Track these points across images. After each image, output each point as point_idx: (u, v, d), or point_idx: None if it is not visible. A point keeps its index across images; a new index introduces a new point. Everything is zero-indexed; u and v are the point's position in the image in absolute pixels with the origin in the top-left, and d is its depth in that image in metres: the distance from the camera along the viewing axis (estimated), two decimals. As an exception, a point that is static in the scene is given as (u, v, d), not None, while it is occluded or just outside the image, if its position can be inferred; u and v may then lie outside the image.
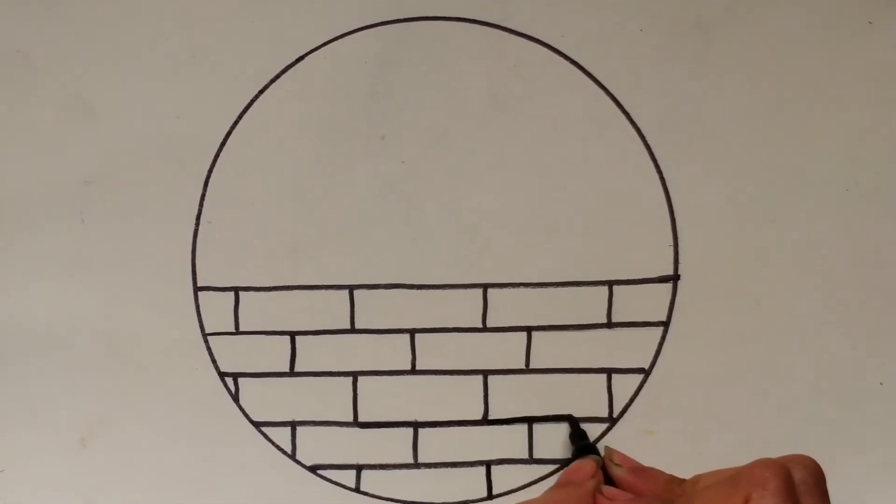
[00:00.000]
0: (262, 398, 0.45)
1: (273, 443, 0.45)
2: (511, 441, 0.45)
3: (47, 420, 0.45)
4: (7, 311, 0.45)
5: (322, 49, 0.46)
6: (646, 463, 0.43)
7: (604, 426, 0.45)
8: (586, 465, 0.43)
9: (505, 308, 0.46)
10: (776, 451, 0.38)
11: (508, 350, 0.46)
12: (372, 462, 0.45)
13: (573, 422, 0.45)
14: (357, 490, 0.45)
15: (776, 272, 0.46)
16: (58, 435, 0.45)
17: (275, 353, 0.45)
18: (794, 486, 0.37)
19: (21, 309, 0.45)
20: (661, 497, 0.41)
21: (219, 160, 0.46)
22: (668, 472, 0.42)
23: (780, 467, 0.37)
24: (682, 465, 0.41)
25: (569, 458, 0.44)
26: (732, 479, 0.37)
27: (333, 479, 0.45)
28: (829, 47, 0.46)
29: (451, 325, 0.46)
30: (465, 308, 0.46)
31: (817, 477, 0.38)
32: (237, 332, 0.46)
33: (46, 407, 0.45)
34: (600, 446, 0.44)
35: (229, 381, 0.45)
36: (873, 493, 0.45)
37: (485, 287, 0.46)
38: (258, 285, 0.46)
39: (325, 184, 0.46)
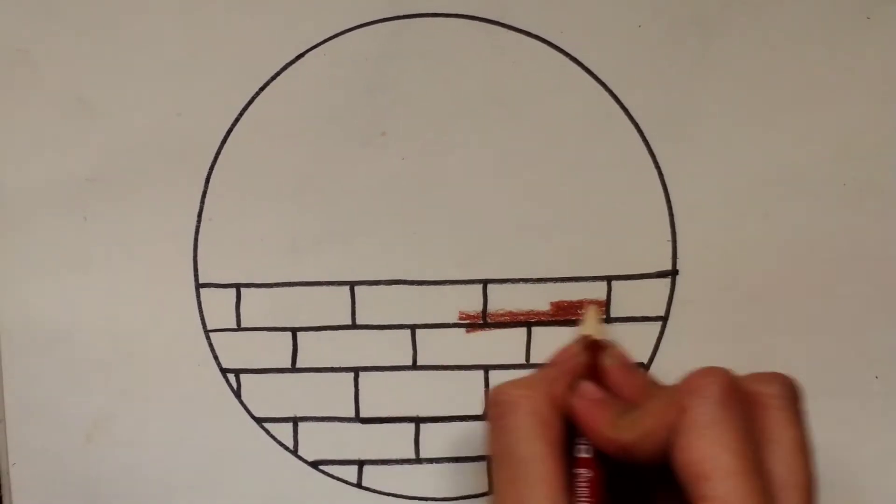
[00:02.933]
0: (264, 394, 0.46)
1: (275, 438, 0.45)
2: (511, 435, 0.45)
3: (53, 416, 0.45)
4: (10, 309, 0.46)
5: (321, 46, 0.46)
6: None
7: (603, 420, 0.45)
8: (572, 347, 0.41)
9: (505, 303, 0.46)
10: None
11: (509, 345, 0.46)
12: (374, 457, 0.45)
13: None
14: (359, 485, 0.45)
15: (774, 267, 0.46)
16: (63, 431, 0.45)
17: (276, 350, 0.46)
18: (737, 391, 0.34)
19: (24, 306, 0.46)
20: (623, 404, 0.38)
21: (220, 157, 0.46)
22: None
23: (719, 373, 0.34)
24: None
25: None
26: (672, 390, 0.35)
27: (335, 475, 0.45)
28: (827, 43, 0.46)
29: (451, 321, 0.46)
30: (466, 303, 0.46)
31: (792, 392, 0.36)
32: (239, 329, 0.46)
33: (52, 403, 0.45)
34: None
35: (231, 377, 0.46)
36: (870, 486, 0.45)
37: (485, 283, 0.46)
38: (260, 282, 0.46)
39: (326, 180, 0.46)
